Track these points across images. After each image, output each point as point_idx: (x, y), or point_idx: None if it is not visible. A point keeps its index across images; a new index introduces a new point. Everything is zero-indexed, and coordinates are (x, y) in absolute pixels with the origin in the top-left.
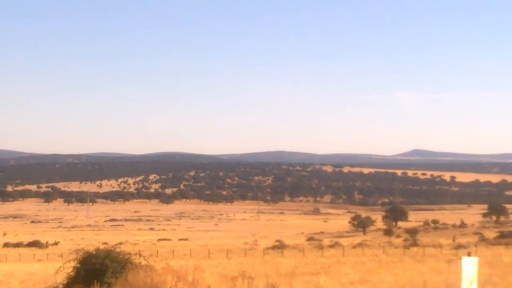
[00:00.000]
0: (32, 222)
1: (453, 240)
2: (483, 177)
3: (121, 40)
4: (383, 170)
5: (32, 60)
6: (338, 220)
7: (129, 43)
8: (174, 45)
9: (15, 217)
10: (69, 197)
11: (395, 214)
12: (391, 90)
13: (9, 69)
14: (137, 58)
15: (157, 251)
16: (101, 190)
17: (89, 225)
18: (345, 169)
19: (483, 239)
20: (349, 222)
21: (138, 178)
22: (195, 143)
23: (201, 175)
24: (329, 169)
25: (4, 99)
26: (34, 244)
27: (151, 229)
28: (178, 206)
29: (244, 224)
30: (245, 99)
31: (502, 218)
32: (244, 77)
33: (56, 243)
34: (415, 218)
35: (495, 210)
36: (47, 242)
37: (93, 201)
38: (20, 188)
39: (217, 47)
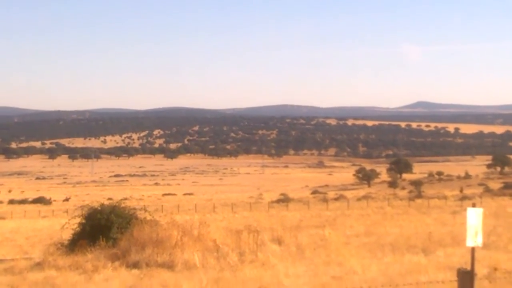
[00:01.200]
0: (37, 178)
1: (461, 191)
2: (487, 128)
3: None
4: (387, 123)
5: (35, 18)
6: (343, 173)
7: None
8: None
9: (19, 174)
10: (74, 153)
11: (399, 166)
12: (394, 43)
13: (12, 27)
14: (133, 17)
15: (162, 206)
16: (106, 146)
17: (94, 181)
18: (349, 122)
19: (487, 190)
20: (354, 175)
21: (142, 134)
22: (199, 97)
23: (205, 129)
24: (333, 122)
25: (8, 57)
26: (39, 200)
27: (156, 184)
28: (182, 161)
29: (248, 178)
30: (249, 54)
31: (506, 169)
32: (247, 32)
33: (67, 199)
34: (419, 170)
35: (499, 161)
36: (50, 199)
37: (97, 157)
38: (24, 145)
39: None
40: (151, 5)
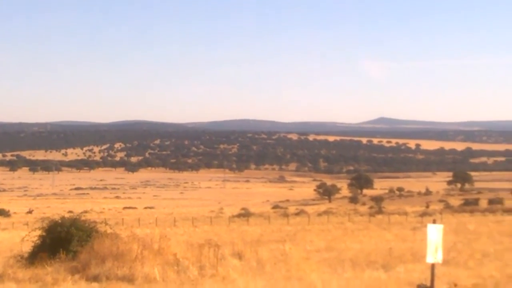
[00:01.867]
0: None
1: (427, 207)
2: (448, 145)
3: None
4: (348, 138)
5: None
6: (304, 188)
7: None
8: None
9: None
10: (35, 166)
11: (360, 182)
12: (356, 58)
13: None
14: (94, 30)
15: (123, 219)
16: (67, 159)
17: (54, 194)
18: (311, 137)
19: (448, 207)
20: (315, 190)
21: (104, 147)
22: (160, 111)
23: (167, 143)
24: (294, 137)
25: None
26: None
27: (117, 197)
28: (143, 174)
29: (209, 192)
30: (210, 68)
31: (466, 186)
32: (207, 47)
33: (30, 212)
34: (380, 186)
35: (460, 177)
36: (8, 211)
37: (58, 170)
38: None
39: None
40: (112, 18)
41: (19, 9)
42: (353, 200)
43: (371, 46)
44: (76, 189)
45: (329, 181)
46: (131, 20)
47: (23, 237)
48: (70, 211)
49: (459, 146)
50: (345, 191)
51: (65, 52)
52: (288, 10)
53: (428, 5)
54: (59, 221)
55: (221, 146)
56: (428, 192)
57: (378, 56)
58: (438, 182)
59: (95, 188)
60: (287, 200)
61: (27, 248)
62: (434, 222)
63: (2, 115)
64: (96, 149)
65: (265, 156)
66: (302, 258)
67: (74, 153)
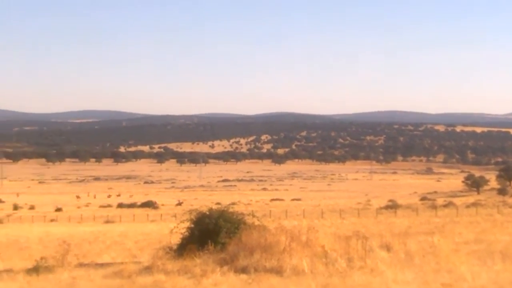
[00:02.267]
0: (145, 182)
1: None
2: None
3: None
4: (495, 129)
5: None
6: (451, 179)
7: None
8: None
9: (128, 178)
10: (182, 158)
11: (509, 173)
12: (507, 47)
13: (120, 32)
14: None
15: (270, 211)
16: (213, 151)
17: (202, 186)
18: (458, 128)
19: None
20: (463, 182)
21: (250, 139)
22: (307, 103)
23: (313, 135)
24: (441, 128)
25: (117, 62)
26: (148, 204)
27: (264, 189)
28: (290, 166)
29: (356, 184)
30: (355, 60)
31: None
32: (352, 38)
33: (180, 204)
34: None
35: None
36: (155, 203)
37: (205, 162)
38: (133, 149)
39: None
40: (258, 12)
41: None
42: (502, 191)
43: None
44: (223, 181)
45: (477, 173)
46: (274, 13)
47: (171, 229)
48: (217, 203)
49: None
50: (493, 183)
51: (211, 44)
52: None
53: None
54: (207, 213)
55: (368, 137)
56: None
57: None
58: None
59: (242, 180)
60: (435, 192)
61: (175, 240)
62: None
63: (150, 108)
64: (242, 141)
65: (412, 147)
66: (451, 250)
67: (220, 145)
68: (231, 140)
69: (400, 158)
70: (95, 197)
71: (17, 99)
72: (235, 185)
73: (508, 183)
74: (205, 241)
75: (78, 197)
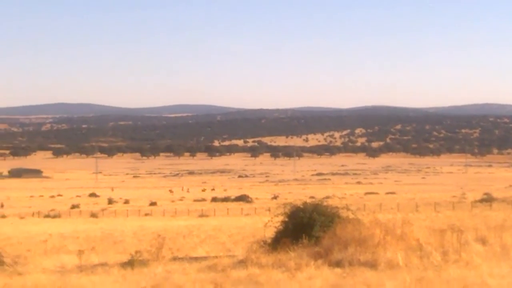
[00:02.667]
0: (239, 176)
1: None
2: None
3: None
4: None
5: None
6: None
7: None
8: None
9: (222, 171)
10: (276, 152)
11: None
12: None
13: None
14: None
15: (364, 205)
16: (307, 144)
17: (295, 179)
18: None
19: None
20: None
21: (344, 132)
22: (401, 96)
23: (407, 128)
24: None
25: (213, 57)
26: (242, 198)
27: (358, 183)
28: (384, 159)
29: (451, 177)
30: (450, 53)
31: None
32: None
33: (275, 197)
34: None
35: None
36: (248, 197)
37: (299, 156)
38: (227, 143)
39: None
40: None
41: None
42: None
43: None
44: (317, 174)
45: None
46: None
47: (265, 222)
48: (311, 197)
49: None
50: None
51: (304, 37)
52: None
53: None
54: (301, 206)
55: (463, 130)
56: None
57: None
58: None
59: (336, 174)
60: None
61: (269, 233)
62: None
63: (244, 102)
64: (336, 134)
65: (507, 140)
66: None
67: (314, 139)
68: (325, 134)
69: (495, 151)
70: (188, 191)
71: (113, 94)
72: (329, 179)
73: None
74: (299, 235)
75: (171, 191)
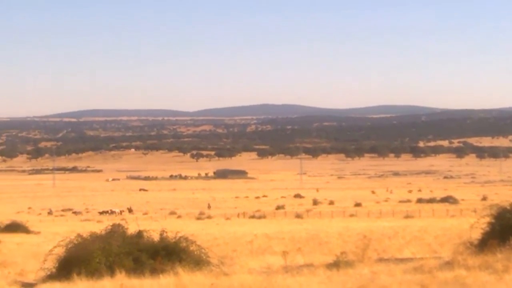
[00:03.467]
0: (445, 177)
1: None
2: None
3: None
4: None
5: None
6: None
7: None
8: None
9: (427, 173)
10: (481, 152)
11: None
12: None
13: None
14: None
15: None
16: None
17: (502, 181)
18: None
19: None
20: None
21: None
22: None
23: None
24: None
25: (408, 59)
26: (447, 199)
27: None
28: None
29: None
30: None
31: None
32: None
33: (484, 198)
34: None
35: None
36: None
37: (506, 156)
38: (432, 144)
39: None
40: None
41: None
42: None
43: None
44: None
45: None
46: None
47: (471, 223)
48: None
49: None
50: None
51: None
52: None
53: None
54: (508, 207)
55: None
56: None
57: None
58: None
59: None
60: None
61: (476, 235)
62: None
63: (449, 102)
64: None
65: None
66: None
67: None
68: None
69: None
70: (391, 192)
71: (317, 95)
72: None
73: None
74: (507, 237)
75: (373, 192)
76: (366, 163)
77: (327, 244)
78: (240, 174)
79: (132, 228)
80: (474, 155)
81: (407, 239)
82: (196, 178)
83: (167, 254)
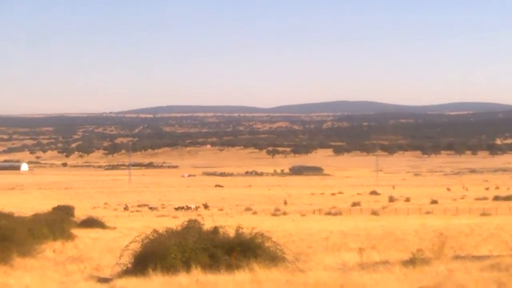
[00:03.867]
0: None
1: None
2: None
3: None
4: None
5: None
6: None
7: None
8: None
9: (504, 170)
10: None
11: None
12: None
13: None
14: None
15: None
16: None
17: None
18: None
19: None
20: None
21: None
22: None
23: None
24: None
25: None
26: None
27: None
28: None
29: None
30: None
31: None
32: None
33: None
34: None
35: None
36: None
37: None
38: (509, 141)
39: None
40: None
41: None
42: None
43: None
44: None
45: None
46: None
47: None
48: None
49: None
50: None
51: None
52: None
53: None
54: None
55: None
56: None
57: None
58: None
59: None
60: None
61: None
62: None
63: None
64: None
65: None
66: None
67: None
68: None
69: None
70: (467, 190)
71: (393, 91)
72: None
73: None
74: None
75: (448, 189)
76: (442, 160)
77: (403, 241)
78: (316, 170)
79: (207, 224)
80: None
81: (484, 236)
82: (272, 174)
83: (243, 250)
